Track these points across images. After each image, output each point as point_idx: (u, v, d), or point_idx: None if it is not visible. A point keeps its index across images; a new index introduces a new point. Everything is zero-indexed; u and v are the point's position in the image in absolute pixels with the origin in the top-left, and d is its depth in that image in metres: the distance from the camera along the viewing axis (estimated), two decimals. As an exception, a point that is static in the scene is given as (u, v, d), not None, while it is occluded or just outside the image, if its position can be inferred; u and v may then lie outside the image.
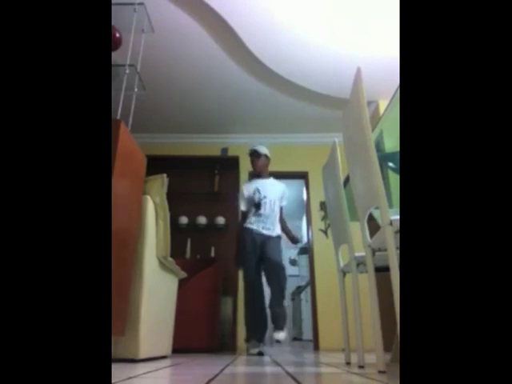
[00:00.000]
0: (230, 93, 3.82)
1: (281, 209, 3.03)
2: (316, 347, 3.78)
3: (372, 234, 1.24)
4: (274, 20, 2.87)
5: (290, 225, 3.14)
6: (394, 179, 1.90)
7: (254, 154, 3.01)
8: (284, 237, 2.98)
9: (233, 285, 3.85)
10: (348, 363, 1.60)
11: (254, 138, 4.52)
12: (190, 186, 4.34)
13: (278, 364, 1.63)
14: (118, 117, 1.78)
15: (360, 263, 1.54)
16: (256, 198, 2.94)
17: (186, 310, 2.93)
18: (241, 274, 2.82)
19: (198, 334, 2.99)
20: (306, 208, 4.41)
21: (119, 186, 1.51)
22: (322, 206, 4.30)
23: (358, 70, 1.20)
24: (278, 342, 2.66)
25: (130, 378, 0.96)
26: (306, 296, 5.42)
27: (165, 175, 1.95)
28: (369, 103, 3.82)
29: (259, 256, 2.81)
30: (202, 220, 4.08)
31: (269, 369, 1.35)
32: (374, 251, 1.30)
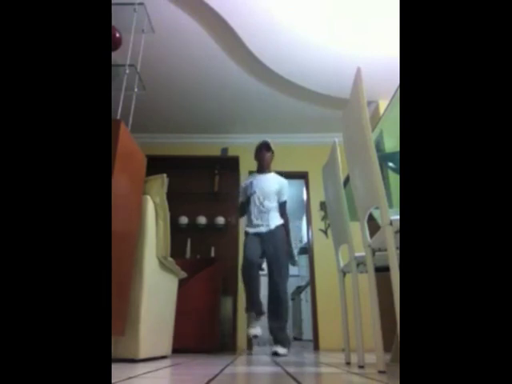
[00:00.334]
0: (229, 93, 3.82)
1: (281, 205, 2.94)
2: (316, 347, 3.79)
3: (372, 234, 1.24)
4: (274, 20, 2.87)
5: (291, 224, 3.06)
6: (394, 179, 1.90)
7: (266, 147, 2.99)
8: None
9: (233, 285, 3.85)
10: (348, 363, 1.60)
11: (254, 138, 4.52)
12: (190, 186, 4.34)
13: (277, 364, 1.63)
14: (118, 117, 1.78)
15: (360, 263, 1.54)
16: (247, 192, 2.96)
17: (186, 310, 2.92)
18: (240, 274, 2.79)
19: (198, 334, 2.99)
20: (306, 208, 4.41)
21: (119, 185, 1.51)
22: (322, 206, 4.29)
23: (358, 70, 1.20)
24: (276, 354, 2.47)
25: (130, 377, 0.96)
26: (306, 296, 5.42)
27: (165, 175, 1.95)
28: (369, 103, 3.82)
29: (263, 249, 2.78)
30: (202, 220, 4.08)
31: (269, 369, 1.35)
32: (374, 251, 1.30)
